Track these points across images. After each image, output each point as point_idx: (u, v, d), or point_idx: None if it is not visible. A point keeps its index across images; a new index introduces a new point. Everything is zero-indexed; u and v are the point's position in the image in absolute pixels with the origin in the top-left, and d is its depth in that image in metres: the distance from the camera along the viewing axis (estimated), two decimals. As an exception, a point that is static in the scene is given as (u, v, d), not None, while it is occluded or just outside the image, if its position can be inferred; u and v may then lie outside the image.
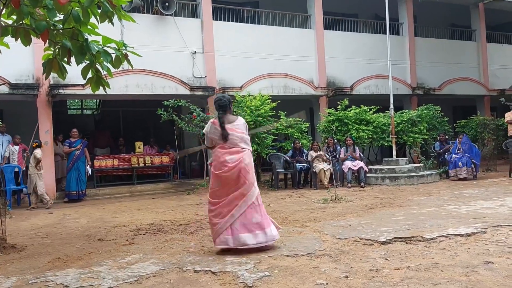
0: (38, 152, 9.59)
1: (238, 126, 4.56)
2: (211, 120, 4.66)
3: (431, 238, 4.49)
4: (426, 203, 7.11)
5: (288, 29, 13.92)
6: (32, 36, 4.40)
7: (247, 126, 4.74)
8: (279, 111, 11.64)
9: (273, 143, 11.63)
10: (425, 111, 13.08)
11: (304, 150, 11.46)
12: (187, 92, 11.58)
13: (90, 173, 10.67)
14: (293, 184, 11.14)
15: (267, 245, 4.40)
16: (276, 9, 13.89)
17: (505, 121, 12.31)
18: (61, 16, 4.18)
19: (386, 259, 3.87)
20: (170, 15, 12.07)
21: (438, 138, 12.60)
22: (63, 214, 8.17)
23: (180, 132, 13.06)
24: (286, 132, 11.70)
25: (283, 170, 11.16)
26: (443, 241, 4.40)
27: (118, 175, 12.47)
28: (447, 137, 12.64)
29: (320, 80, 14.01)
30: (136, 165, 11.66)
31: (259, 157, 11.37)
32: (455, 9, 17.42)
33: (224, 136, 4.46)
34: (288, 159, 11.16)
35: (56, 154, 10.91)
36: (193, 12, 13.10)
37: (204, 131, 4.79)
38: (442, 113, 13.88)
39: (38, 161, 9.63)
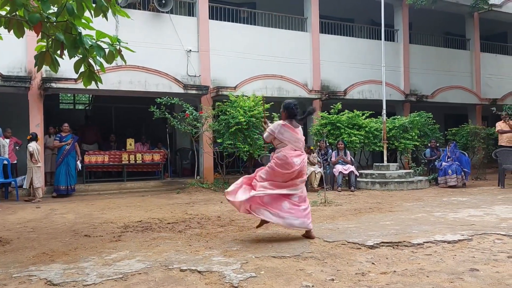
0: (31, 145, 9.57)
1: (301, 133, 5.13)
2: (282, 122, 5.06)
3: (418, 244, 4.52)
4: (414, 209, 7.15)
5: (284, 31, 13.94)
6: (25, 28, 4.35)
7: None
8: (273, 113, 11.64)
9: (264, 145, 11.63)
10: (417, 118, 13.17)
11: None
12: (181, 90, 11.54)
13: (80, 168, 10.60)
14: (284, 186, 11.12)
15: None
16: (273, 11, 13.90)
17: (496, 130, 12.42)
18: (55, 9, 4.15)
19: (373, 263, 3.88)
20: (167, 12, 12.03)
21: (429, 145, 12.68)
22: (50, 209, 8.10)
23: (172, 130, 13.02)
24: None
25: (274, 171, 11.12)
26: (429, 247, 4.43)
27: (108, 172, 12.40)
28: (438, 144, 12.73)
29: (314, 83, 14.04)
30: (127, 162, 11.60)
31: (251, 158, 11.37)
32: (450, 18, 17.57)
33: (297, 140, 5.04)
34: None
35: (46, 148, 10.82)
36: (190, 10, 13.07)
37: (269, 129, 5.10)
38: (434, 121, 13.99)
39: (30, 155, 9.59)
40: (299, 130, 5.13)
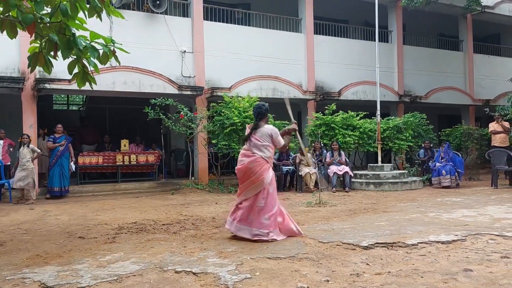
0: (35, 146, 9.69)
1: (259, 135, 5.17)
2: (248, 124, 5.49)
3: (412, 244, 4.54)
4: (409, 210, 7.18)
5: (279, 32, 13.96)
6: (18, 29, 4.33)
7: (276, 135, 5.23)
8: (268, 114, 11.64)
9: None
10: (411, 119, 13.23)
11: (291, 153, 11.49)
12: (175, 91, 11.52)
13: (73, 169, 10.54)
14: (279, 187, 11.11)
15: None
16: (267, 12, 13.91)
17: (489, 131, 12.50)
18: (49, 10, 4.13)
19: (367, 264, 3.89)
20: (161, 13, 12.00)
21: (422, 145, 12.74)
22: (44, 211, 8.05)
23: (166, 131, 12.98)
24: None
25: (269, 172, 11.14)
26: (424, 247, 4.45)
27: (102, 173, 12.35)
28: (431, 145, 12.79)
29: (308, 84, 14.07)
30: (121, 163, 11.55)
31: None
32: (444, 19, 17.67)
33: (245, 140, 5.30)
34: (275, 161, 11.16)
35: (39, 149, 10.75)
36: (184, 11, 13.05)
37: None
38: (428, 121, 14.05)
39: (38, 155, 9.70)
40: (263, 130, 5.19)
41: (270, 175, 5.11)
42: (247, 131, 5.32)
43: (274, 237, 4.91)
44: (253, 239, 4.88)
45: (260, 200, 5.01)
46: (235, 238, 5.10)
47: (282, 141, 5.26)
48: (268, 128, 5.23)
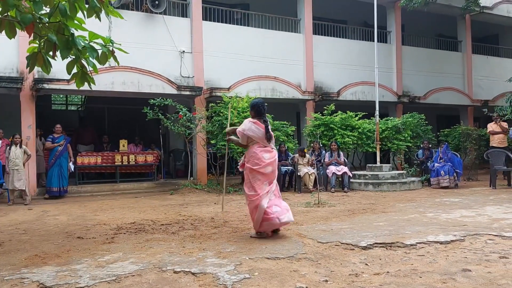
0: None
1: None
2: (251, 120, 5.24)
3: (411, 245, 4.54)
4: (407, 210, 7.19)
5: (278, 32, 13.96)
6: (17, 29, 4.32)
7: None
8: (267, 114, 11.64)
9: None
10: (409, 119, 13.24)
11: (290, 153, 11.50)
12: (174, 91, 11.51)
13: (72, 169, 10.53)
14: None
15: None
16: (266, 12, 13.91)
17: (487, 131, 12.52)
18: (48, 10, 4.12)
19: (366, 264, 3.90)
20: (160, 13, 12.00)
21: (421, 146, 12.75)
22: (43, 211, 8.04)
23: (165, 131, 12.98)
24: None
25: (267, 172, 11.14)
26: (422, 247, 4.45)
27: (101, 173, 12.33)
28: (430, 145, 12.80)
29: (307, 85, 14.07)
30: (120, 163, 11.54)
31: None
32: (442, 20, 17.69)
33: (269, 138, 5.21)
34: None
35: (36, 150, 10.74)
36: (183, 11, 13.04)
37: (240, 128, 5.27)
38: (426, 122, 14.07)
39: (29, 157, 9.62)
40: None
41: None
42: (256, 126, 5.18)
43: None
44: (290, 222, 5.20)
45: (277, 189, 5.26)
46: (234, 238, 5.10)
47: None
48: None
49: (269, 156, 5.15)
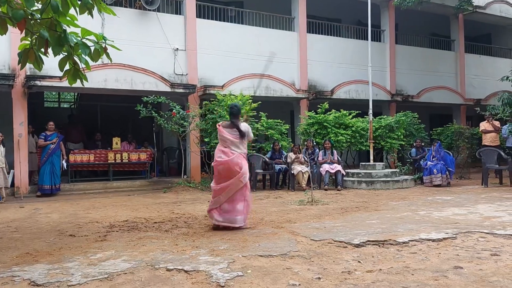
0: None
1: (231, 132, 5.64)
2: (218, 123, 5.86)
3: (403, 242, 4.56)
4: (400, 208, 7.22)
5: (272, 30, 13.94)
6: (8, 25, 4.28)
7: (249, 131, 5.79)
8: (260, 112, 11.65)
9: (253, 144, 11.63)
10: (402, 118, 13.30)
11: (283, 151, 11.51)
12: (168, 89, 11.47)
13: (65, 167, 10.46)
14: (271, 185, 11.17)
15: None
16: (260, 10, 13.89)
17: (480, 130, 12.62)
18: (39, 6, 4.09)
19: (359, 261, 3.91)
20: (153, 10, 11.93)
21: (414, 144, 12.81)
22: (34, 208, 7.99)
23: (159, 129, 12.93)
24: (266, 133, 11.73)
25: (261, 171, 11.17)
26: (415, 245, 4.48)
27: (94, 171, 12.26)
28: (423, 143, 12.87)
29: (301, 83, 14.08)
30: (113, 161, 11.48)
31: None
32: (436, 19, 17.77)
33: (223, 139, 5.66)
34: (267, 160, 11.18)
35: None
36: (177, 8, 12.99)
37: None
38: (419, 120, 14.14)
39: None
40: (236, 127, 5.62)
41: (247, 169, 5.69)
42: (222, 130, 5.64)
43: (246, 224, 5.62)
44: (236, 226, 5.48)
45: (241, 191, 5.57)
46: (227, 235, 5.10)
47: (252, 135, 5.92)
48: (243, 125, 5.75)
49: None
